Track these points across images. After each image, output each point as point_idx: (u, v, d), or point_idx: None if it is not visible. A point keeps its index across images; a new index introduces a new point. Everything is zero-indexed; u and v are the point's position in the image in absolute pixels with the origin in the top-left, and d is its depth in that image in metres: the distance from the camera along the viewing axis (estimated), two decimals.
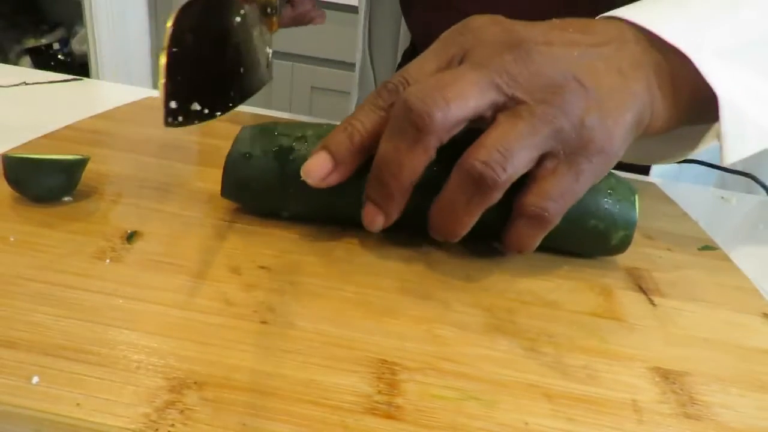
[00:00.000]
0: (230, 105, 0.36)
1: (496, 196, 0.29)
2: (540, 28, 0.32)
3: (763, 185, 0.59)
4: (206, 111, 0.32)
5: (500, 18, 0.32)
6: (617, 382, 0.26)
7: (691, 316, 0.33)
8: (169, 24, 0.29)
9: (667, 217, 0.48)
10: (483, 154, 0.28)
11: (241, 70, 0.37)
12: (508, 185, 0.29)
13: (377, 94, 0.32)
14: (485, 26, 0.32)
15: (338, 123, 0.33)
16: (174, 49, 0.29)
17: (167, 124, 0.29)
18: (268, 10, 0.41)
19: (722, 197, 0.61)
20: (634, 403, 0.25)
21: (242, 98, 0.37)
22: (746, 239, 0.52)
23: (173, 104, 0.29)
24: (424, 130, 0.28)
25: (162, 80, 0.28)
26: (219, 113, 0.34)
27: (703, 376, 0.28)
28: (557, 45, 0.31)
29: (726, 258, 0.41)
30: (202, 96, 0.32)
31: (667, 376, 0.27)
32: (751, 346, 0.31)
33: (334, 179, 0.32)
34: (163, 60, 0.28)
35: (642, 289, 0.35)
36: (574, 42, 0.31)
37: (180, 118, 0.30)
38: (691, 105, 0.34)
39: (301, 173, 0.31)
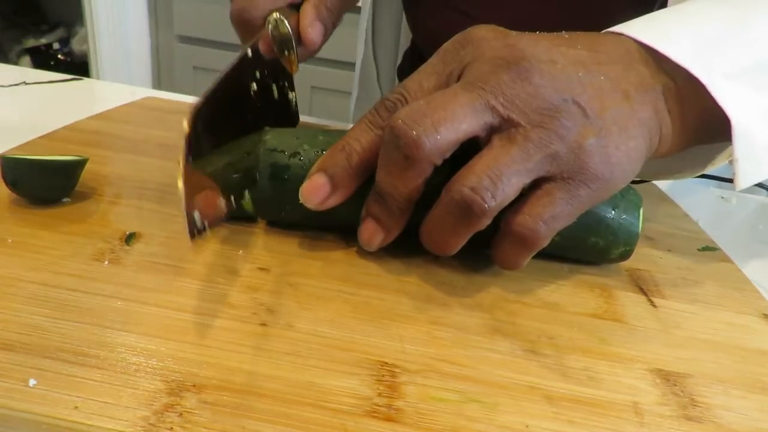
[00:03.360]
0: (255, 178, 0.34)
1: (485, 222, 0.29)
2: (546, 43, 0.30)
3: (763, 186, 0.58)
4: (233, 201, 0.30)
5: (503, 30, 0.31)
6: (618, 384, 0.26)
7: (691, 317, 0.33)
8: (185, 134, 0.25)
9: (667, 217, 0.47)
10: (472, 180, 0.28)
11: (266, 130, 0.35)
12: (497, 212, 0.29)
13: (375, 111, 0.31)
14: (486, 39, 0.30)
15: (336, 124, 0.32)
16: (190, 158, 0.25)
17: (194, 239, 0.25)
18: (285, 51, 0.41)
19: (722, 197, 0.61)
20: (635, 405, 0.25)
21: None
22: (746, 239, 0.52)
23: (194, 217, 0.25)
24: (413, 158, 0.28)
25: (183, 201, 0.24)
26: (247, 191, 0.32)
27: (704, 378, 0.28)
28: (561, 64, 0.29)
29: (726, 259, 0.41)
30: (226, 189, 0.29)
31: (668, 378, 0.27)
32: (752, 348, 0.31)
33: (333, 202, 0.31)
34: (180, 183, 0.24)
35: (642, 291, 0.35)
36: (580, 60, 0.30)
37: (206, 229, 0.27)
38: (700, 127, 0.33)
39: (300, 197, 0.31)
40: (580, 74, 0.29)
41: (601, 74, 0.30)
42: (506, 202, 0.28)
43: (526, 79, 0.28)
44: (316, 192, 0.31)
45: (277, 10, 0.42)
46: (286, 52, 0.41)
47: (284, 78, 0.41)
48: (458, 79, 0.30)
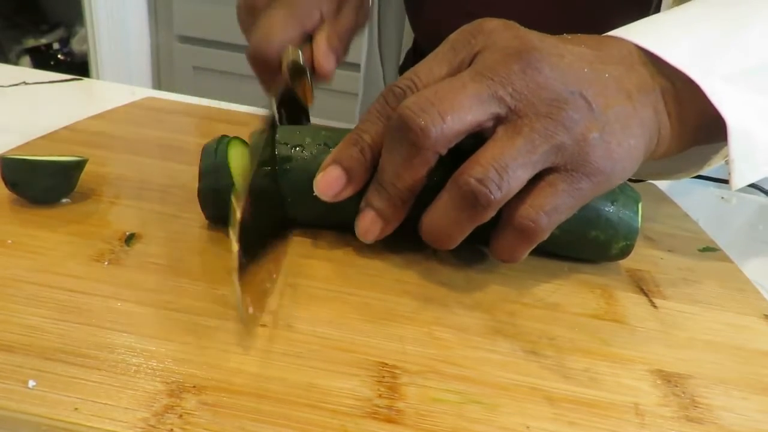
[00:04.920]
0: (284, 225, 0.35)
1: (490, 214, 0.29)
2: (553, 39, 0.31)
3: (761, 189, 0.58)
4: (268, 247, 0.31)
5: (514, 24, 0.31)
6: (619, 385, 0.26)
7: (692, 318, 0.33)
8: (235, 251, 0.25)
9: (667, 218, 0.47)
10: (479, 171, 0.28)
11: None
12: (502, 204, 0.29)
13: (384, 99, 0.31)
14: (498, 30, 0.31)
15: (337, 124, 0.32)
16: (243, 259, 0.25)
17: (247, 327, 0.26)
18: (300, 83, 0.42)
19: (722, 197, 0.61)
20: (635, 407, 0.25)
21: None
22: (746, 239, 0.52)
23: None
24: (419, 145, 0.28)
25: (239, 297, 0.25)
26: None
27: (705, 379, 0.28)
28: (568, 58, 0.30)
29: (727, 259, 0.41)
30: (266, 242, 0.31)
31: (669, 379, 0.27)
32: (752, 348, 0.31)
33: (347, 194, 0.31)
34: (235, 264, 0.24)
35: (643, 291, 0.35)
36: (585, 58, 0.30)
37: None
38: (698, 130, 0.33)
39: (315, 189, 0.31)
40: (585, 70, 0.30)
41: (606, 72, 0.30)
42: (511, 194, 0.29)
43: (537, 69, 0.29)
44: (332, 184, 0.31)
45: (291, 45, 0.43)
46: (301, 84, 0.42)
47: (299, 109, 0.42)
48: (469, 66, 0.30)
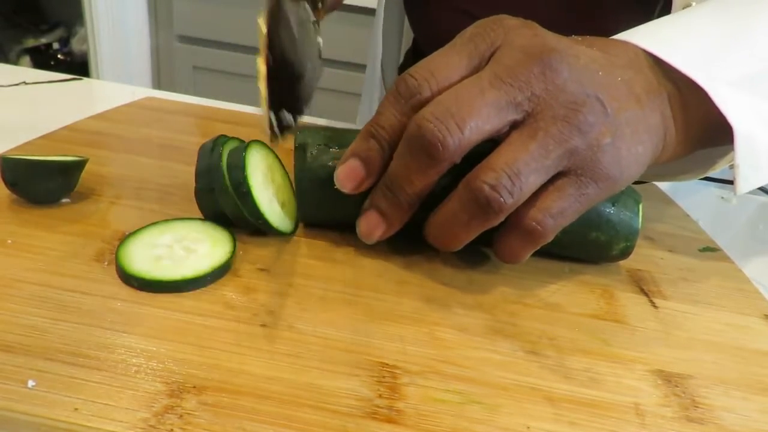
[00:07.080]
0: (304, 108, 0.34)
1: (500, 219, 0.29)
2: (567, 40, 0.31)
3: (761, 189, 0.58)
4: (293, 121, 0.31)
5: (533, 23, 0.31)
6: (619, 385, 0.26)
7: (692, 318, 0.33)
8: (263, 29, 0.26)
9: (668, 218, 0.47)
10: (492, 177, 0.28)
11: (305, 69, 0.35)
12: (513, 209, 0.29)
13: (397, 92, 0.30)
14: (517, 27, 0.31)
15: (338, 124, 0.32)
16: (270, 56, 0.27)
17: (278, 136, 0.27)
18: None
19: (722, 197, 0.61)
20: (636, 407, 0.25)
21: (309, 98, 0.36)
22: (747, 239, 0.52)
23: (273, 117, 0.27)
24: (436, 157, 0.28)
25: (264, 94, 0.26)
26: (299, 118, 0.33)
27: (705, 379, 0.28)
28: (583, 60, 0.30)
29: (727, 259, 0.41)
30: (288, 104, 0.30)
31: (669, 379, 0.27)
32: (753, 349, 0.31)
33: (366, 185, 0.31)
34: (263, 67, 0.25)
35: (643, 291, 0.35)
36: (598, 60, 0.30)
37: (284, 131, 0.28)
38: (702, 134, 0.33)
39: (335, 182, 0.31)
40: (600, 73, 0.30)
41: (618, 76, 0.30)
42: (523, 200, 0.29)
43: (556, 72, 0.29)
44: (352, 175, 0.31)
45: None
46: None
47: (314, 21, 0.41)
48: (487, 62, 0.30)
